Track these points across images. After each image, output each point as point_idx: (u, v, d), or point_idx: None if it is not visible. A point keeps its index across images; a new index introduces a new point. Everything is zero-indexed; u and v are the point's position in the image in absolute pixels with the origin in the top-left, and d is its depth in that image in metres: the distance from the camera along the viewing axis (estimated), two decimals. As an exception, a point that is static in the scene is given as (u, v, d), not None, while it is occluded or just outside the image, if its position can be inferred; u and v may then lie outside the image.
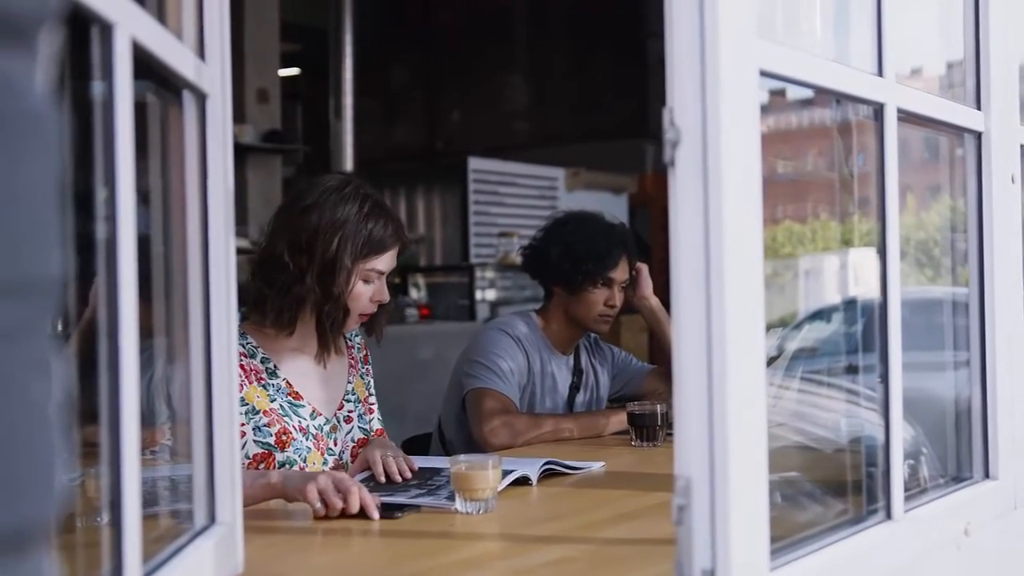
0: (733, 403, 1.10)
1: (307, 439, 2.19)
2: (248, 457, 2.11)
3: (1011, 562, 1.84)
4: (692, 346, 1.11)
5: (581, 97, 8.82)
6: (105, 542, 0.99)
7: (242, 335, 2.18)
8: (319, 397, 2.26)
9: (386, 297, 2.24)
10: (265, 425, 2.14)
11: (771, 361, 1.74)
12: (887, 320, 1.46)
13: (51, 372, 0.64)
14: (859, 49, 1.49)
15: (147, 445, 1.18)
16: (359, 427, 2.32)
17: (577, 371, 3.01)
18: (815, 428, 1.76)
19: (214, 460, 1.33)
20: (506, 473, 1.99)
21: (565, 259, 2.86)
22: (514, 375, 2.80)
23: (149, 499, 1.07)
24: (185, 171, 1.30)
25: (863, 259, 1.65)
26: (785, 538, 1.25)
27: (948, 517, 1.63)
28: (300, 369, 2.25)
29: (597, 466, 2.29)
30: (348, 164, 7.09)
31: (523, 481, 2.07)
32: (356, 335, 2.39)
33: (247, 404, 2.13)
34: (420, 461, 2.19)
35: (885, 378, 1.46)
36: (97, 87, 0.96)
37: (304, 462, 2.16)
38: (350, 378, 2.35)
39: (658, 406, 2.60)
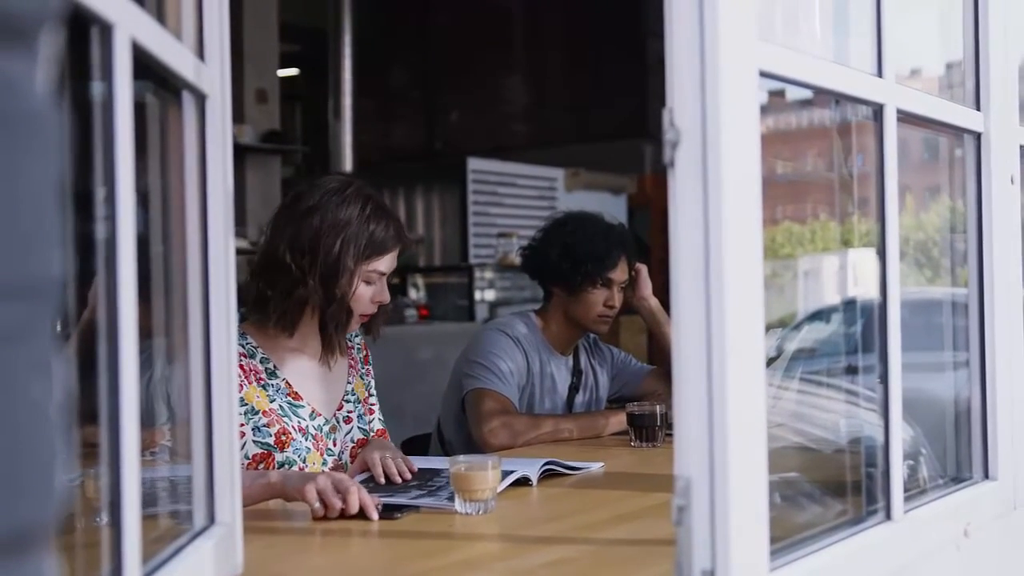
0: (733, 403, 1.10)
1: (306, 439, 2.19)
2: (247, 457, 2.11)
3: (1011, 563, 1.84)
4: (692, 347, 1.11)
5: (580, 97, 8.82)
6: (105, 543, 0.99)
7: (241, 335, 2.19)
8: (318, 397, 2.26)
9: (387, 298, 2.25)
10: (264, 425, 2.14)
11: (770, 362, 1.74)
12: (886, 321, 1.46)
13: (52, 373, 0.63)
14: (859, 50, 1.49)
15: (147, 446, 1.18)
16: (359, 427, 2.32)
17: (576, 372, 3.01)
18: (815, 429, 1.76)
19: (213, 460, 1.33)
20: (506, 474, 1.99)
21: (564, 260, 2.87)
22: (513, 376, 2.80)
23: (148, 500, 1.07)
24: (184, 171, 1.30)
25: (862, 260, 1.65)
26: (785, 539, 1.25)
27: (948, 518, 1.63)
28: (300, 369, 2.25)
29: (596, 467, 2.29)
30: (347, 164, 7.09)
31: (522, 482, 2.07)
32: (356, 335, 2.39)
33: (246, 404, 2.13)
34: (420, 462, 2.19)
35: (885, 379, 1.46)
36: (97, 87, 0.96)
37: (303, 462, 2.16)
38: (350, 378, 2.35)
39: (657, 407, 2.60)
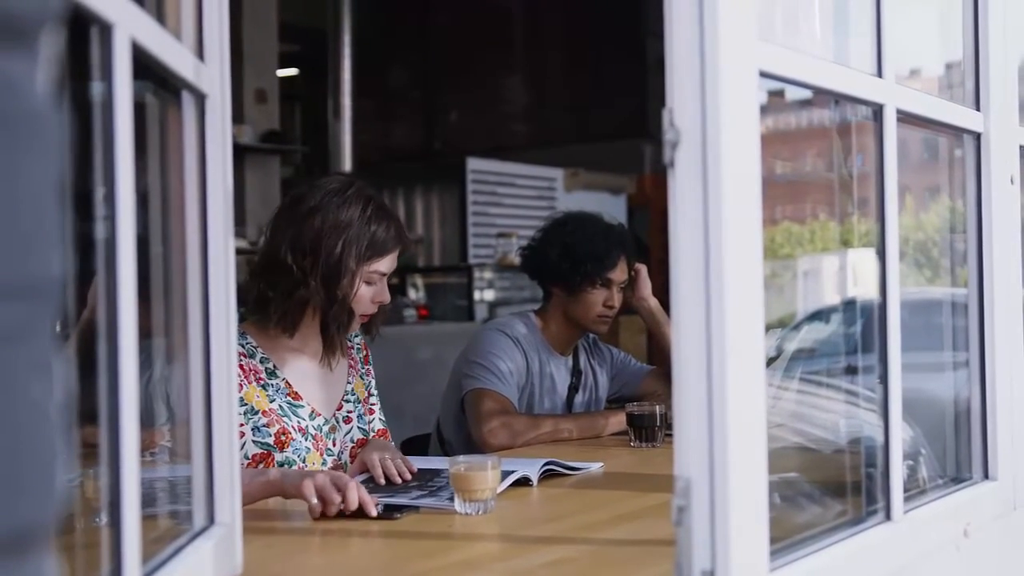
0: (733, 404, 1.10)
1: (306, 439, 2.19)
2: (247, 457, 2.11)
3: (1011, 563, 1.84)
4: (692, 347, 1.11)
5: (580, 97, 8.82)
6: (105, 543, 0.99)
7: (241, 335, 2.19)
8: (318, 397, 2.26)
9: (387, 298, 2.25)
10: (264, 425, 2.14)
11: (770, 362, 1.74)
12: (886, 321, 1.46)
13: (52, 373, 0.63)
14: (858, 50, 1.49)
15: (146, 447, 1.18)
16: (358, 427, 2.32)
17: (576, 372, 3.01)
18: (814, 429, 1.76)
19: (213, 461, 1.33)
20: (506, 474, 1.99)
21: (564, 260, 2.87)
22: (513, 376, 2.80)
23: (148, 500, 1.07)
24: (184, 171, 1.30)
25: (862, 260, 1.65)
26: (785, 539, 1.25)
27: (947, 518, 1.63)
28: (299, 369, 2.25)
29: (596, 467, 2.29)
30: (346, 164, 7.10)
31: (522, 482, 2.07)
32: (356, 335, 2.39)
33: (246, 404, 2.13)
34: (420, 462, 2.19)
35: (884, 379, 1.46)
36: (96, 87, 0.96)
37: (303, 462, 2.16)
38: (350, 378, 2.35)
39: (657, 407, 2.60)
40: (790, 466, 1.55)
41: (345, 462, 2.26)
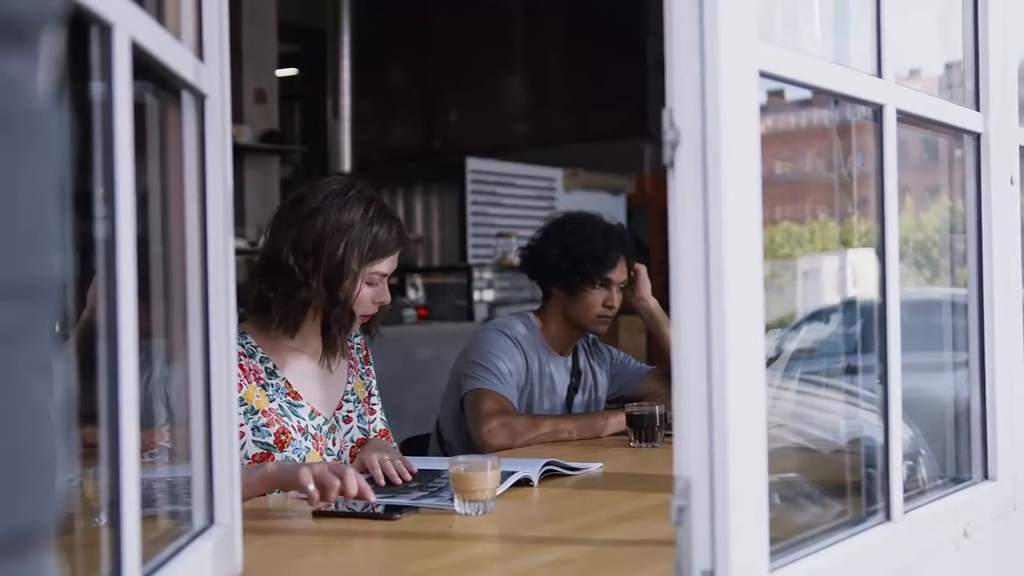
0: (733, 404, 1.10)
1: (306, 439, 2.19)
2: (247, 457, 2.11)
3: (1011, 563, 1.84)
4: (692, 347, 1.11)
5: (580, 98, 8.82)
6: (104, 543, 0.99)
7: (241, 335, 2.19)
8: (318, 397, 2.26)
9: (388, 298, 2.25)
10: (264, 425, 2.14)
11: (770, 362, 1.74)
12: (886, 321, 1.46)
13: (52, 373, 0.63)
14: (858, 50, 1.49)
15: (146, 447, 1.18)
16: (358, 427, 2.32)
17: (575, 372, 3.01)
18: (814, 429, 1.76)
19: (213, 461, 1.33)
20: (507, 475, 1.99)
21: (563, 260, 2.87)
22: (512, 376, 2.80)
23: (148, 500, 1.07)
24: (184, 171, 1.30)
25: (862, 260, 1.65)
26: (784, 539, 1.25)
27: (947, 518, 1.63)
28: (299, 369, 2.25)
29: (596, 467, 2.29)
30: (346, 165, 7.09)
31: (522, 482, 2.07)
32: (356, 335, 2.39)
33: (246, 404, 2.13)
34: (420, 463, 2.19)
35: (884, 379, 1.46)
36: (96, 87, 0.96)
37: (303, 461, 2.16)
38: (350, 378, 2.35)
39: (656, 407, 2.60)
40: (790, 466, 1.55)
41: (345, 461, 2.26)
